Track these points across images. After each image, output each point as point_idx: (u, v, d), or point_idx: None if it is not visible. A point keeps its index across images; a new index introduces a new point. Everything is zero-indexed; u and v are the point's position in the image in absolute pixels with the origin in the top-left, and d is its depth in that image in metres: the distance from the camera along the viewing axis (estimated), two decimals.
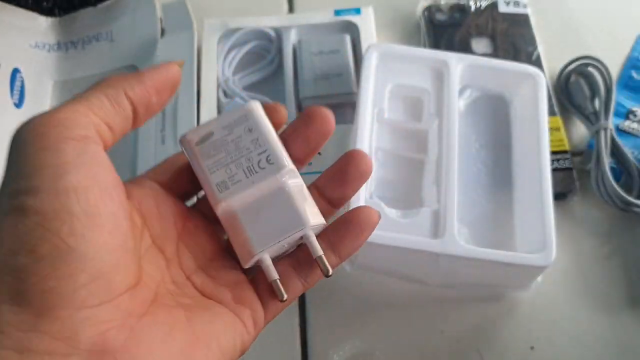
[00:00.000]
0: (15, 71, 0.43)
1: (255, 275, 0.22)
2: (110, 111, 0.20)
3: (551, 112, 0.40)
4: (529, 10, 0.45)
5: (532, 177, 0.34)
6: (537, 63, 0.42)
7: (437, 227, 0.33)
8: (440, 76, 0.37)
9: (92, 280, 0.17)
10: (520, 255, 0.32)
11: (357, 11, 0.44)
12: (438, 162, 0.35)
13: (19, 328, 0.16)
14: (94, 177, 0.18)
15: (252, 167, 0.21)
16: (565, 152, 0.39)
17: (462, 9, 0.45)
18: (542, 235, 0.32)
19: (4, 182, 0.18)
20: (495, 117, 0.38)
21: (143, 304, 0.19)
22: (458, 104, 0.37)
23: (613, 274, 0.36)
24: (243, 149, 0.22)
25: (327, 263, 0.21)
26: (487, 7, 0.45)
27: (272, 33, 0.44)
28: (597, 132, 0.38)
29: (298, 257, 0.22)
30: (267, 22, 0.45)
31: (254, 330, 0.21)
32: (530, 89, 0.37)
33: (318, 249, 0.21)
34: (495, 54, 0.43)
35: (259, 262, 0.21)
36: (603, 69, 0.40)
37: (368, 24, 0.44)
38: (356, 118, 0.35)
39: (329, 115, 0.23)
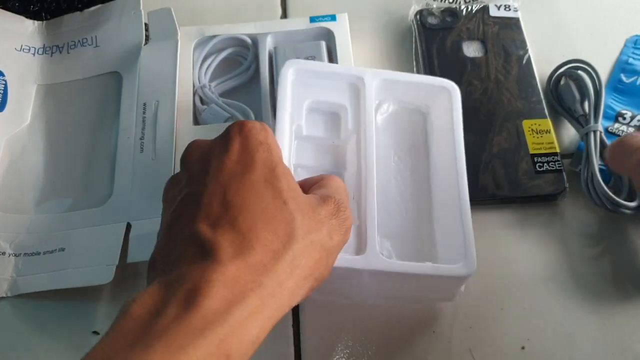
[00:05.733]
0: None
1: None
2: None
3: (541, 115, 0.46)
4: (519, 14, 0.50)
5: (450, 188, 0.38)
6: (528, 66, 0.48)
7: (359, 243, 0.35)
8: (357, 92, 0.41)
9: None
10: (441, 266, 0.35)
11: (333, 18, 0.50)
12: (357, 177, 0.38)
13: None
14: None
15: None
16: (555, 154, 0.44)
17: (454, 13, 0.50)
18: (463, 245, 0.35)
19: None
20: (413, 130, 0.43)
21: None
22: (375, 118, 0.41)
23: (603, 274, 0.41)
24: None
25: None
26: (478, 11, 0.50)
27: (248, 40, 0.50)
28: (587, 135, 0.43)
29: None
30: (243, 29, 0.50)
31: None
32: (446, 102, 0.41)
33: None
34: (486, 57, 0.48)
35: None
36: (592, 72, 0.45)
37: (343, 31, 0.49)
38: (275, 135, 0.36)
39: None
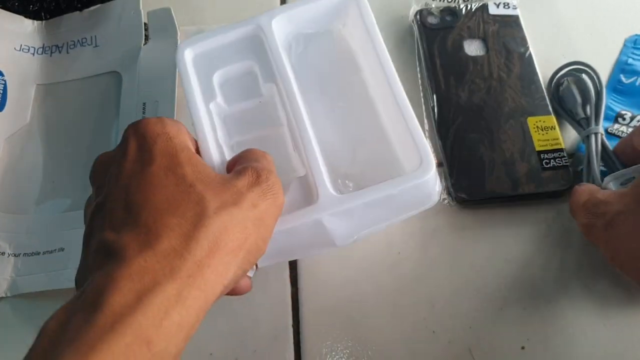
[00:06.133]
0: None
1: None
2: None
3: (545, 111, 0.46)
4: (518, 12, 0.50)
5: (388, 98, 0.36)
6: (530, 63, 0.48)
7: (311, 193, 0.34)
8: (260, 42, 0.39)
9: None
10: (397, 180, 0.33)
11: None
12: (290, 126, 0.36)
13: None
14: None
15: None
16: (561, 150, 0.44)
17: (453, 12, 0.51)
18: (416, 149, 0.34)
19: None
20: (335, 56, 0.41)
21: None
22: (294, 59, 0.39)
23: (605, 274, 0.41)
24: None
25: None
26: (477, 9, 0.50)
27: None
28: (588, 137, 0.43)
29: None
30: None
31: None
32: (356, 12, 0.39)
33: None
34: (487, 55, 0.48)
35: None
36: (593, 74, 0.46)
37: None
38: (194, 123, 0.36)
39: None
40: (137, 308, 0.22)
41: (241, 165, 0.30)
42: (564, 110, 0.46)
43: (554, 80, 0.48)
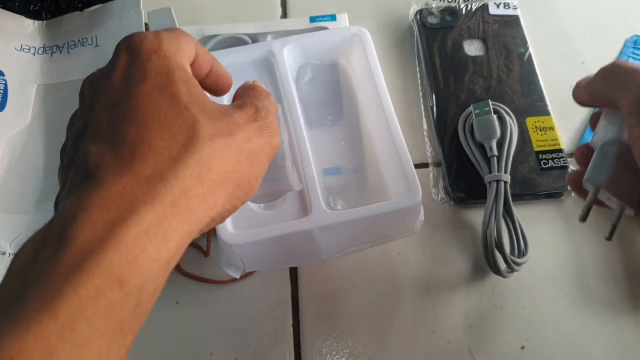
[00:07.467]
0: None
1: None
2: None
3: (544, 112, 0.46)
4: (519, 12, 0.50)
5: (383, 129, 0.39)
6: (529, 63, 0.48)
7: (306, 206, 0.37)
8: (271, 64, 0.42)
9: None
10: (385, 203, 0.35)
11: (333, 18, 0.50)
12: (291, 145, 0.38)
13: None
14: None
15: None
16: (559, 150, 0.44)
17: (454, 12, 0.50)
18: (405, 178, 0.36)
19: None
20: (338, 84, 0.44)
21: None
22: (300, 84, 0.42)
23: (605, 274, 0.41)
24: None
25: None
26: (477, 9, 0.50)
27: (248, 39, 0.50)
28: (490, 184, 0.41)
29: None
30: (243, 28, 0.50)
31: None
32: (360, 48, 0.42)
33: None
34: (487, 55, 0.48)
35: None
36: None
37: None
38: None
39: None
40: (108, 242, 0.19)
41: (238, 101, 0.29)
42: (474, 142, 0.44)
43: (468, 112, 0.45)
